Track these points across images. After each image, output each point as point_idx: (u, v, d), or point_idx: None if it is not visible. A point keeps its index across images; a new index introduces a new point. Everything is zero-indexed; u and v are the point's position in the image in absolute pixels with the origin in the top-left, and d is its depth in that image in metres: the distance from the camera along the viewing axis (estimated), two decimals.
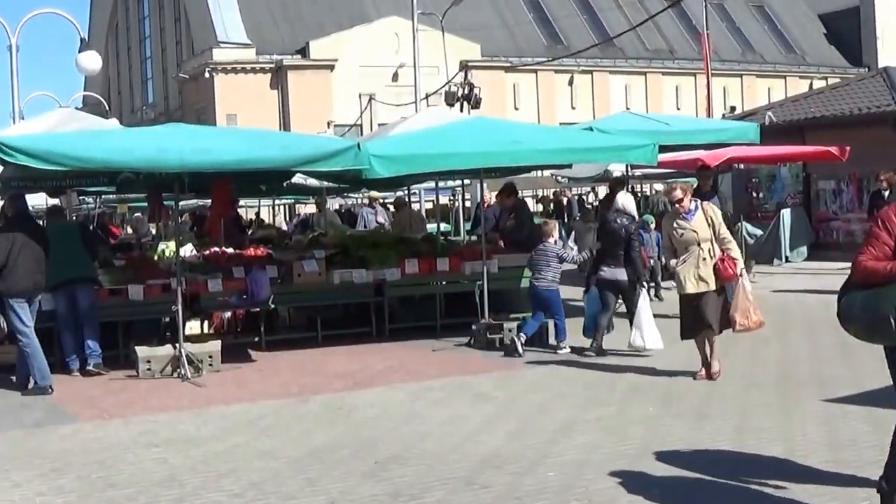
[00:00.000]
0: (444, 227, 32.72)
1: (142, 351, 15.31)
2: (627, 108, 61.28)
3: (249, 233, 28.97)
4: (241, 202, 35.15)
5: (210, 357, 15.44)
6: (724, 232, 13.45)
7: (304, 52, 70.62)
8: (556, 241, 16.77)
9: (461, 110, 40.75)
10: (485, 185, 20.80)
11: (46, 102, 70.54)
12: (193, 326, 17.40)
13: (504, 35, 75.98)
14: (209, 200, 20.49)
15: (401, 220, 26.96)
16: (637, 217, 17.09)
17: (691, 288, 13.24)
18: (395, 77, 67.86)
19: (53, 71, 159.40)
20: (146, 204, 25.80)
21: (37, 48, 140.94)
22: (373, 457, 10.14)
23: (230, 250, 19.08)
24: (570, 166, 22.21)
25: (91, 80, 71.66)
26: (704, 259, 13.20)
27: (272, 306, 17.62)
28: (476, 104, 43.00)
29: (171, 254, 18.63)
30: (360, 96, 67.27)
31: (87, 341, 15.60)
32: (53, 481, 9.79)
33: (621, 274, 15.68)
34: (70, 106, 40.94)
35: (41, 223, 16.88)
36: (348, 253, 18.83)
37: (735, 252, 13.38)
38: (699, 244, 13.26)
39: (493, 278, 17.85)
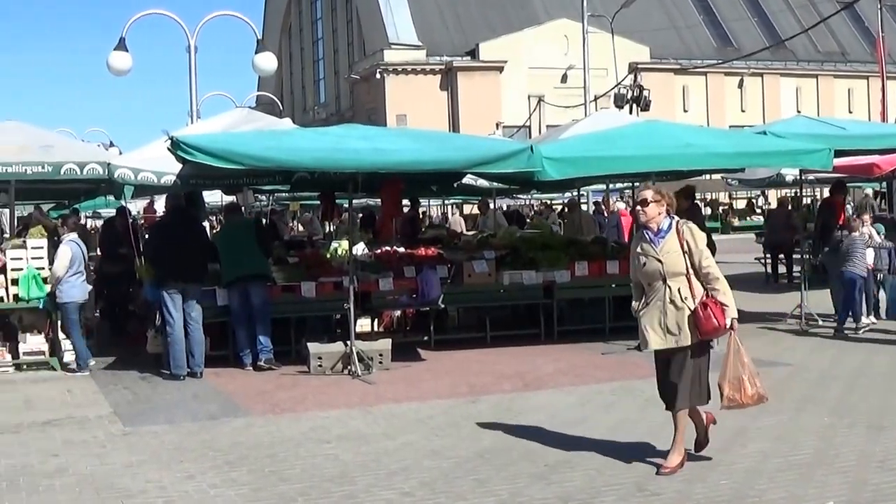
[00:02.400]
0: None
1: (313, 347, 15.54)
2: (798, 112, 60.41)
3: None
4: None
5: (380, 355, 15.60)
6: (708, 263, 9.58)
7: (473, 53, 71.17)
8: (861, 234, 18.38)
9: (630, 112, 40.56)
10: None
11: (221, 102, 72.25)
12: (364, 324, 17.67)
13: (673, 37, 75.52)
14: (379, 200, 20.69)
15: (571, 222, 26.88)
16: None
17: (657, 342, 9.68)
18: (563, 79, 67.95)
19: (226, 70, 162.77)
20: (318, 202, 26.23)
21: (211, 49, 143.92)
22: (542, 459, 10.14)
23: (401, 250, 19.22)
24: (742, 170, 21.94)
25: (264, 81, 73.03)
26: (673, 301, 9.50)
27: (442, 306, 17.70)
28: (645, 106, 42.90)
29: (344, 252, 18.85)
30: (528, 98, 67.57)
31: (259, 337, 15.93)
32: (226, 474, 10.00)
33: None
34: (245, 105, 41.63)
35: (196, 219, 17.27)
36: (518, 254, 18.87)
37: (724, 295, 9.51)
38: (665, 280, 9.56)
39: None
